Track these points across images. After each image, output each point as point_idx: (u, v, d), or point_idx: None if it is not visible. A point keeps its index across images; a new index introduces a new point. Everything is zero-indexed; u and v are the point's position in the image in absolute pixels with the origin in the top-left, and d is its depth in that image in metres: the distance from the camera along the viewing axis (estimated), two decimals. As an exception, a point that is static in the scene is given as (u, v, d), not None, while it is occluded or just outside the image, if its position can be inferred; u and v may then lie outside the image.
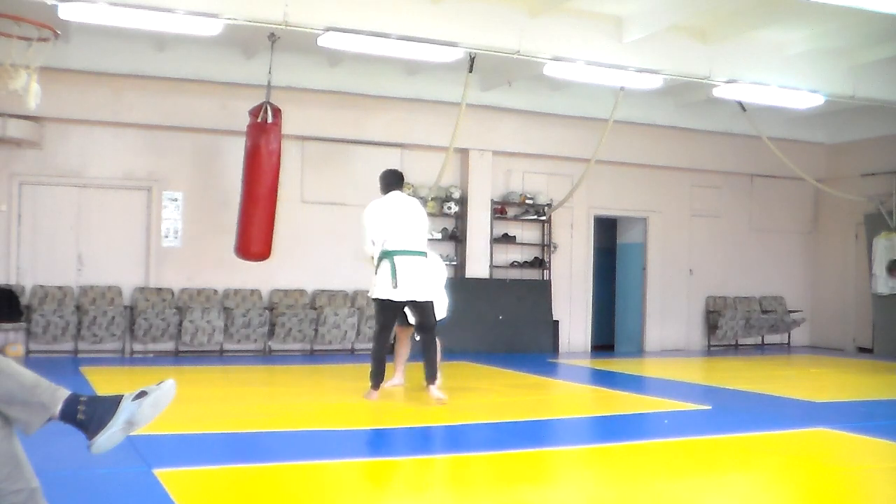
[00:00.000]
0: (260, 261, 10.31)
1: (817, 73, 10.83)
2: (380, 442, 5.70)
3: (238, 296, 11.43)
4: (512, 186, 13.11)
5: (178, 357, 10.83)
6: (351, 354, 11.44)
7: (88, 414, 2.65)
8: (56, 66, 9.47)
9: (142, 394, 2.72)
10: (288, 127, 10.62)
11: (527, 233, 13.25)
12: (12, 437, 2.62)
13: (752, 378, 10.04)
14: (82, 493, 3.84)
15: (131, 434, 2.74)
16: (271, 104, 9.89)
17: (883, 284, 13.46)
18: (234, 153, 11.39)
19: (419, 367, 6.97)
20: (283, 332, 11.21)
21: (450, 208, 12.57)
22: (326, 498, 4.14)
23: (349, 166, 12.06)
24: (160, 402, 2.75)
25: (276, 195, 10.10)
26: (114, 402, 2.70)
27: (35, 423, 2.62)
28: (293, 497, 4.06)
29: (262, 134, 9.87)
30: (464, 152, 12.54)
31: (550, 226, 13.21)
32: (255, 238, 9.97)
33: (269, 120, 9.85)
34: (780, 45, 10.57)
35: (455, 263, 12.61)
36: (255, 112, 9.93)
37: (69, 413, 2.64)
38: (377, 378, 6.86)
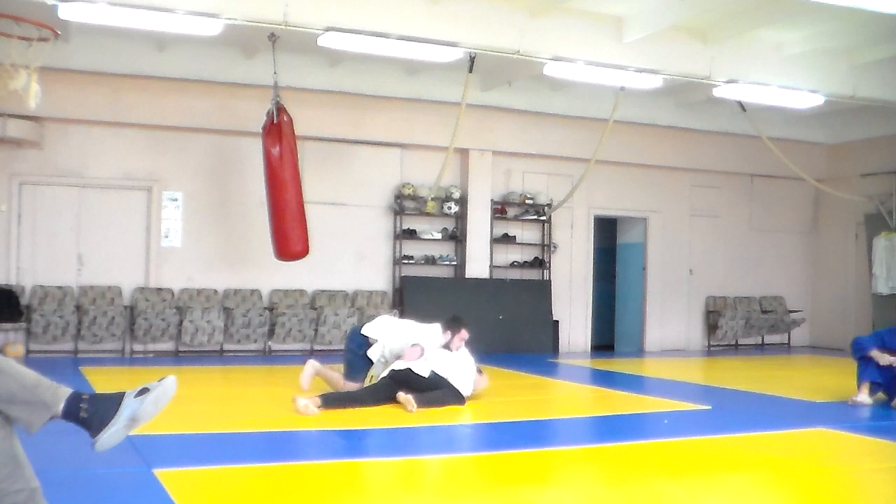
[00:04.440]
0: (301, 258, 10.36)
1: (817, 73, 10.83)
2: (380, 442, 5.69)
3: (238, 296, 11.43)
4: (512, 186, 13.11)
5: (178, 357, 10.83)
6: (351, 354, 11.44)
7: (91, 412, 2.65)
8: (56, 66, 9.45)
9: (144, 390, 2.72)
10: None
11: (527, 233, 13.25)
12: (12, 437, 2.61)
13: (752, 378, 10.04)
14: (82, 493, 3.83)
15: (133, 432, 2.73)
16: (277, 103, 9.88)
17: (883, 284, 13.46)
18: (235, 153, 11.41)
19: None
20: (283, 332, 11.21)
21: (450, 208, 12.57)
22: (326, 498, 4.13)
23: (349, 166, 12.06)
24: (162, 399, 2.76)
25: (300, 192, 10.07)
26: (116, 400, 2.70)
27: (37, 421, 2.61)
28: (293, 497, 4.06)
29: (268, 136, 9.89)
30: (464, 152, 12.54)
31: (550, 226, 13.21)
32: (292, 237, 10.02)
33: (275, 120, 9.85)
34: (780, 45, 10.57)
35: (455, 263, 12.62)
36: (269, 116, 9.96)
37: (72, 411, 2.64)
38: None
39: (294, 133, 10.04)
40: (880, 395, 7.48)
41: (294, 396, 6.37)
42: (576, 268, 13.52)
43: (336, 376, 7.34)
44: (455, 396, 6.83)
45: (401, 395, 6.48)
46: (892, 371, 7.30)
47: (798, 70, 10.71)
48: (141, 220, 11.22)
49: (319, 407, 6.28)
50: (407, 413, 6.30)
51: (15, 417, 2.60)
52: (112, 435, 2.66)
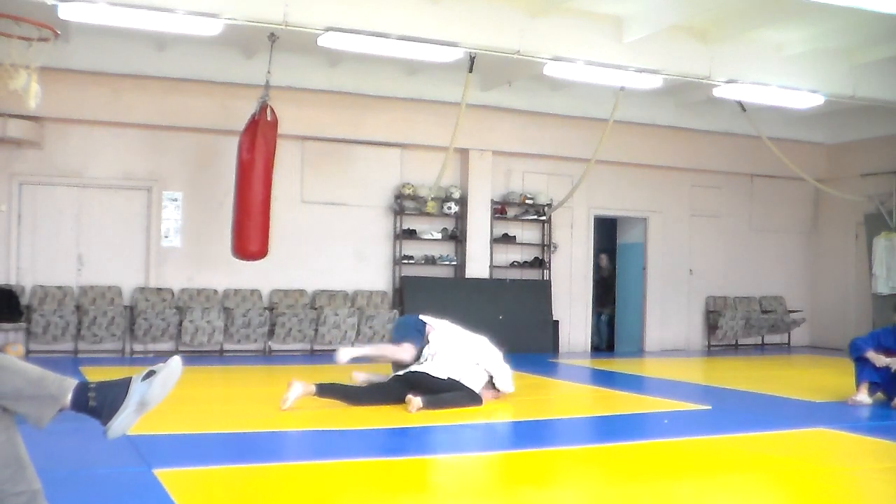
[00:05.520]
0: (258, 259, 10.31)
1: (817, 73, 10.83)
2: (380, 442, 5.69)
3: (238, 296, 11.43)
4: (512, 186, 13.11)
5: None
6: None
7: (100, 400, 2.63)
8: (56, 66, 9.46)
9: (150, 373, 2.71)
10: (288, 127, 10.63)
11: (527, 233, 13.25)
12: (16, 439, 2.61)
13: (752, 378, 10.04)
14: (82, 493, 3.83)
15: (138, 427, 2.72)
16: (262, 102, 9.86)
17: (883, 284, 13.46)
18: (234, 153, 11.38)
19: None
20: (283, 332, 11.21)
21: (450, 208, 12.57)
22: (327, 498, 4.13)
23: (349, 166, 12.06)
24: (169, 380, 2.74)
25: (269, 190, 10.05)
26: (123, 385, 2.68)
27: (46, 415, 2.59)
28: (293, 497, 4.06)
29: (245, 132, 9.89)
30: (464, 152, 12.54)
31: (550, 226, 13.21)
32: (252, 237, 9.99)
33: (258, 117, 9.85)
34: (780, 45, 10.57)
35: (455, 263, 12.62)
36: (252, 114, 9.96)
37: (80, 401, 2.62)
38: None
39: (275, 133, 9.98)
40: (879, 394, 7.49)
41: (290, 381, 6.36)
42: (576, 268, 13.52)
43: (382, 352, 7.30)
44: (471, 398, 6.75)
45: (410, 397, 6.42)
46: (890, 371, 7.30)
47: (798, 70, 10.71)
48: (141, 220, 11.22)
49: (314, 395, 6.33)
50: (408, 413, 6.29)
51: (23, 414, 2.58)
52: (123, 421, 2.64)
